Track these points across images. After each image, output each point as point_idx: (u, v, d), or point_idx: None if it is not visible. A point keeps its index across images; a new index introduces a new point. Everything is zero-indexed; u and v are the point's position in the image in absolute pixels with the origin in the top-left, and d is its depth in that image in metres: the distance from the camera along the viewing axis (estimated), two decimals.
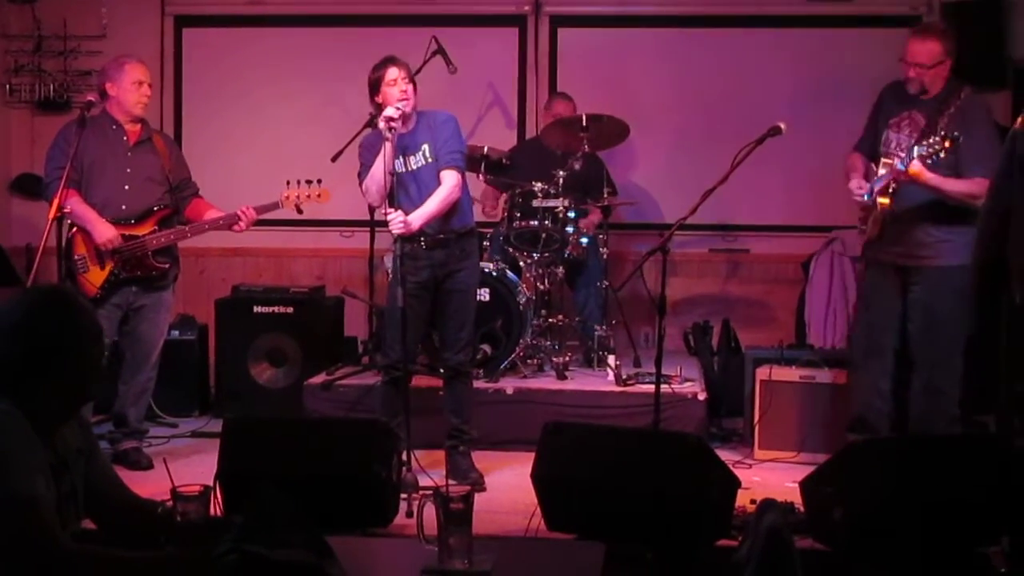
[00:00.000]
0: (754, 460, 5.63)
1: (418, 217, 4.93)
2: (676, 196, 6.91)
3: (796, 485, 4.10)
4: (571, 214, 6.22)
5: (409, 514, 4.29)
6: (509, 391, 5.92)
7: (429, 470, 4.90)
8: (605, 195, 6.52)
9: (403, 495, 4.36)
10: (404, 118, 4.97)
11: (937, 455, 3.84)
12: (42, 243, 4.86)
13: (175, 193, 5.59)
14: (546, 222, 6.14)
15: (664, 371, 5.10)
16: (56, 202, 4.91)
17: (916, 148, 4.73)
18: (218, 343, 6.82)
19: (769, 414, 5.68)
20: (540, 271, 6.41)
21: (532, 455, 4.05)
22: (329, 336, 6.84)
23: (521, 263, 6.41)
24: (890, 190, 4.94)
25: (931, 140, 4.68)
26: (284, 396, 6.48)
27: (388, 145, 4.84)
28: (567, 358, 6.29)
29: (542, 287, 6.43)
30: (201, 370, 6.91)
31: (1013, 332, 4.20)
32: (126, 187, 5.44)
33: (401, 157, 5.03)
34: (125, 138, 5.49)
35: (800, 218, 7.31)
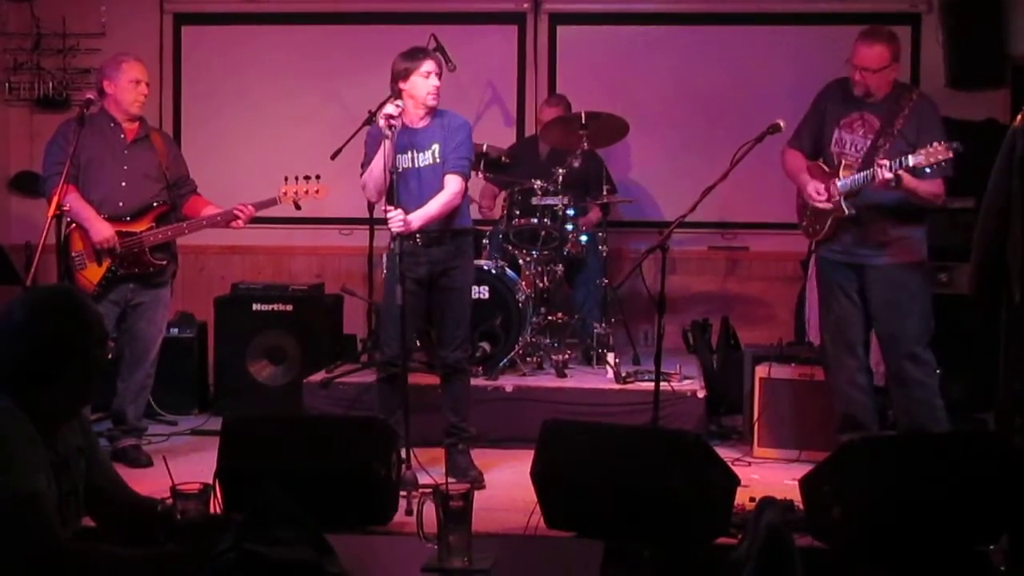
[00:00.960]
0: (753, 458, 5.64)
1: (418, 218, 4.93)
2: (675, 194, 6.92)
3: (795, 483, 4.10)
4: (570, 212, 6.22)
5: (409, 512, 4.29)
6: (508, 389, 5.92)
7: (428, 467, 4.90)
8: (604, 193, 6.52)
9: (402, 493, 4.36)
10: (426, 112, 5.01)
11: (936, 453, 3.84)
12: (41, 241, 4.85)
13: (173, 190, 5.59)
14: (545, 220, 6.14)
15: (663, 369, 5.11)
16: (55, 199, 4.91)
17: (911, 157, 4.74)
18: (217, 341, 6.82)
19: (768, 412, 5.68)
20: (539, 269, 6.41)
21: (531, 453, 4.04)
22: (328, 334, 6.84)
23: (520, 261, 6.41)
24: (855, 193, 4.98)
25: (929, 149, 4.70)
26: (283, 394, 6.48)
27: (387, 143, 4.84)
28: (566, 356, 6.29)
29: (541, 285, 6.43)
30: (200, 368, 6.91)
31: (1012, 330, 4.20)
32: (123, 184, 5.44)
33: (409, 152, 5.04)
34: (122, 136, 5.49)
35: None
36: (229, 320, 6.75)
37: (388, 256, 5.13)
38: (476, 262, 5.88)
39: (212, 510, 2.75)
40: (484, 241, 6.52)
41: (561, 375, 6.12)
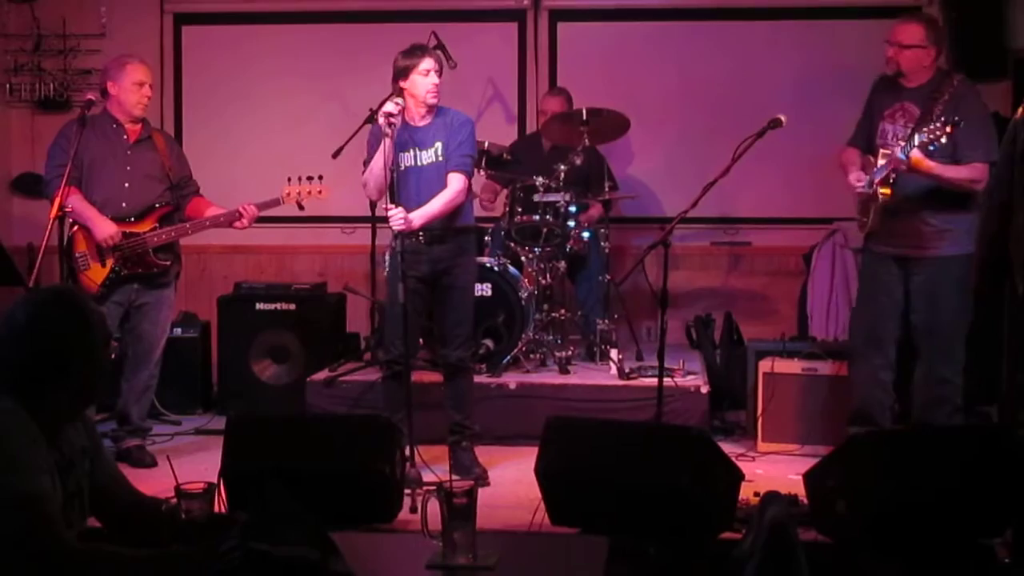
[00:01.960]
0: (757, 453, 5.64)
1: (420, 216, 4.93)
2: (677, 189, 6.91)
3: (799, 477, 4.09)
4: (572, 209, 6.22)
5: (413, 510, 4.28)
6: (512, 386, 5.93)
7: (432, 465, 4.90)
8: (606, 189, 6.52)
9: (407, 491, 4.35)
10: (428, 110, 5.02)
11: (941, 447, 3.83)
12: (43, 242, 4.86)
13: (175, 191, 5.59)
14: (547, 217, 6.14)
15: (667, 364, 5.12)
16: (57, 201, 4.92)
17: (916, 136, 4.74)
18: (220, 340, 6.82)
19: (772, 407, 5.69)
20: (541, 266, 6.41)
21: (535, 450, 4.04)
22: (331, 332, 6.84)
23: (523, 258, 6.42)
24: (890, 180, 4.95)
25: (931, 127, 4.69)
26: (287, 393, 6.48)
27: (387, 141, 4.84)
28: (569, 352, 6.29)
29: (544, 282, 6.43)
30: (204, 367, 6.91)
31: (1016, 323, 4.20)
32: (126, 185, 5.44)
33: (411, 150, 5.04)
34: (125, 136, 5.50)
35: (801, 210, 7.31)
36: (232, 320, 6.75)
37: (389, 254, 5.13)
38: (479, 259, 5.88)
39: (216, 510, 2.75)
40: (486, 238, 6.52)
41: (564, 372, 6.12)
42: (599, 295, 6.67)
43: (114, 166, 5.44)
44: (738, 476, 3.88)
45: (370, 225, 6.59)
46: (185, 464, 4.42)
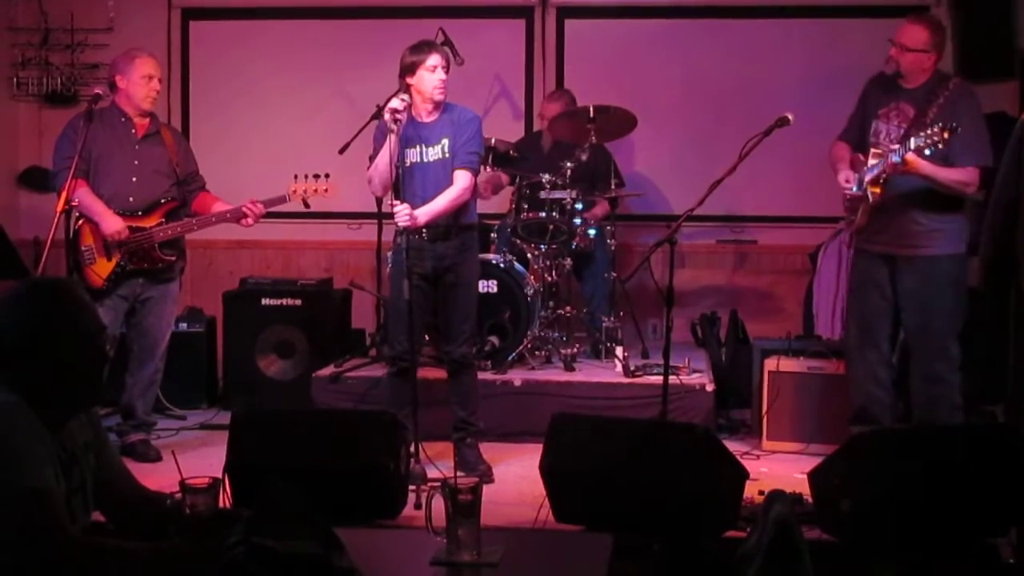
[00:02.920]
0: (762, 451, 5.64)
1: (425, 213, 4.93)
2: (683, 187, 6.89)
3: (804, 476, 4.10)
4: (578, 206, 6.22)
5: (417, 506, 4.29)
6: (517, 383, 5.93)
7: (437, 462, 4.91)
8: (612, 186, 6.52)
9: (411, 487, 4.36)
10: (435, 106, 5.02)
11: (945, 446, 3.84)
12: (50, 236, 4.87)
13: (182, 186, 5.60)
14: (553, 214, 6.14)
15: (672, 362, 5.11)
16: (64, 194, 4.92)
17: (913, 139, 4.72)
18: (226, 335, 6.83)
19: (777, 405, 5.69)
20: (547, 263, 6.41)
21: (540, 447, 4.05)
22: (337, 328, 6.84)
23: (528, 255, 6.42)
24: (881, 180, 4.95)
25: (929, 131, 4.67)
26: (292, 388, 6.48)
27: (393, 137, 4.84)
28: (575, 350, 6.29)
29: (550, 279, 6.43)
30: (209, 362, 6.91)
31: (1021, 323, 4.20)
32: (133, 179, 5.45)
33: (417, 146, 5.04)
34: (133, 131, 5.50)
35: (807, 209, 7.29)
36: (238, 315, 6.76)
37: (394, 251, 5.13)
38: (484, 256, 5.89)
39: (221, 504, 2.75)
40: (492, 235, 6.52)
41: (570, 369, 6.12)
42: (605, 292, 6.67)
43: (122, 160, 5.45)
44: (743, 474, 3.89)
45: (376, 221, 6.59)
46: (190, 459, 4.45)
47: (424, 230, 5.01)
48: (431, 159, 5.05)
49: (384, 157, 4.91)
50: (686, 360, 6.03)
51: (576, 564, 2.81)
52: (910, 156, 4.73)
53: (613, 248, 6.65)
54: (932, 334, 5.07)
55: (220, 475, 3.05)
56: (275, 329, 6.68)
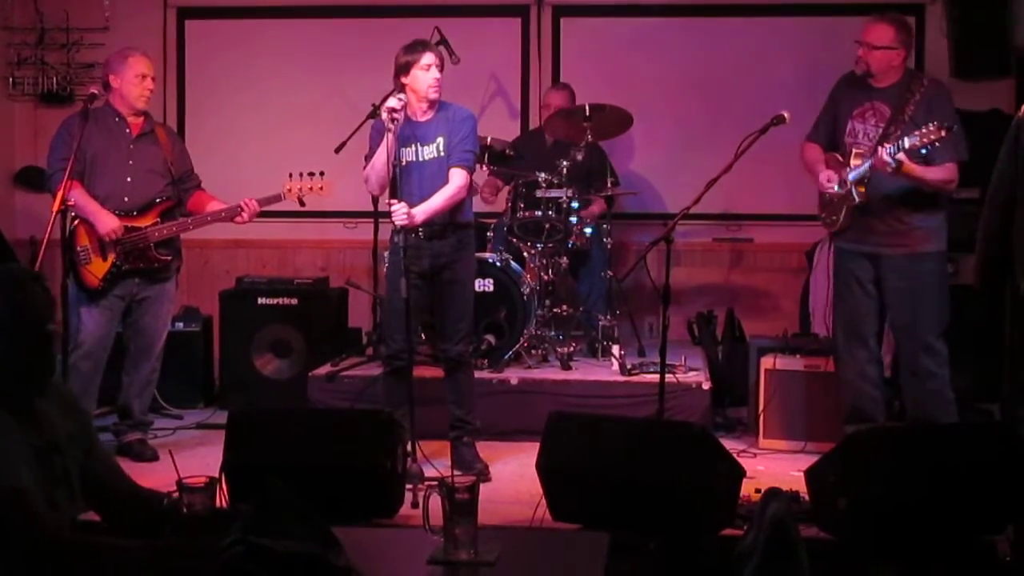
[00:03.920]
0: (758, 449, 5.64)
1: (422, 211, 4.93)
2: (679, 186, 6.91)
3: (801, 474, 4.11)
4: (574, 204, 6.22)
5: (415, 505, 4.29)
6: (513, 381, 5.93)
7: (434, 460, 4.91)
8: (608, 185, 6.52)
9: (408, 486, 4.36)
10: (430, 105, 5.02)
11: (941, 443, 3.84)
12: (46, 236, 4.86)
13: (177, 185, 5.59)
14: (550, 212, 6.14)
15: (668, 361, 5.12)
16: (60, 194, 4.92)
17: (907, 139, 4.73)
18: (222, 335, 6.82)
19: (773, 403, 5.69)
20: (544, 261, 6.41)
21: (537, 445, 4.05)
22: (333, 327, 6.84)
23: (525, 253, 6.42)
24: (866, 180, 4.97)
25: (924, 129, 4.68)
26: (288, 387, 6.48)
27: (390, 136, 4.84)
28: (571, 348, 6.29)
29: (546, 277, 6.43)
30: (206, 362, 6.91)
31: (1017, 322, 4.20)
32: (128, 179, 5.44)
33: (413, 145, 5.04)
34: (128, 130, 5.49)
35: (804, 207, 7.22)
36: (234, 314, 6.75)
37: (390, 250, 5.13)
38: (481, 255, 5.89)
39: (218, 504, 2.75)
40: (488, 234, 6.52)
41: (566, 367, 6.12)
42: (601, 291, 6.67)
43: (116, 160, 5.44)
44: (739, 473, 3.89)
45: (372, 220, 6.59)
46: (187, 458, 4.44)
47: (421, 228, 5.01)
48: (427, 158, 5.05)
49: (381, 156, 4.91)
50: (682, 358, 6.03)
51: (573, 562, 2.81)
52: (902, 158, 4.75)
53: (609, 247, 6.65)
54: (917, 331, 5.09)
55: (217, 474, 3.05)
56: (271, 328, 6.68)
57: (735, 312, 6.85)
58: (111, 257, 5.36)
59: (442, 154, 5.04)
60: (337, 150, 6.30)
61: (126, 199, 5.42)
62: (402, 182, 4.97)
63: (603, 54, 7.52)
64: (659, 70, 7.47)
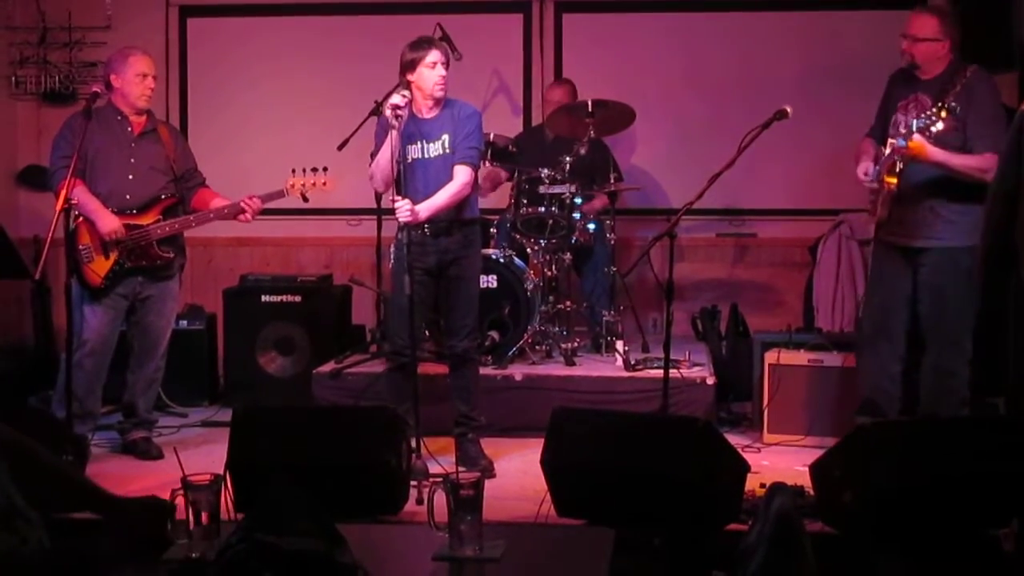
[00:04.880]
0: (763, 444, 5.64)
1: (426, 208, 4.92)
2: (682, 181, 6.89)
3: (805, 469, 4.11)
4: (577, 200, 6.22)
5: (419, 501, 4.29)
6: (518, 377, 5.93)
7: (438, 457, 4.91)
8: (611, 181, 6.52)
9: (413, 482, 4.36)
10: (435, 102, 5.02)
11: (946, 437, 3.83)
12: (50, 234, 4.86)
13: (180, 183, 5.59)
14: (553, 208, 6.14)
15: (672, 356, 5.11)
16: (63, 193, 4.91)
17: (915, 122, 4.71)
18: (226, 332, 6.83)
19: (778, 398, 5.68)
20: (547, 257, 6.41)
21: (541, 441, 4.05)
22: (337, 324, 6.84)
23: (528, 249, 6.42)
24: (896, 169, 4.93)
25: (927, 112, 4.67)
26: (293, 385, 6.48)
27: (394, 133, 4.84)
28: (575, 344, 6.29)
29: (549, 273, 6.43)
30: (210, 359, 6.92)
31: (1021, 315, 4.19)
32: (130, 177, 5.44)
33: (418, 142, 5.03)
34: (129, 129, 5.49)
35: (807, 202, 7.30)
36: (238, 312, 6.76)
37: (395, 246, 5.13)
38: (484, 251, 5.88)
39: (223, 501, 2.76)
40: (492, 230, 6.52)
41: (570, 363, 6.12)
42: (605, 287, 6.67)
43: (118, 158, 5.44)
44: (744, 467, 3.89)
45: (376, 217, 6.59)
46: (191, 456, 4.44)
47: (427, 225, 5.01)
48: (432, 155, 5.04)
49: (385, 153, 4.90)
50: (686, 354, 6.03)
51: (578, 558, 2.82)
52: (916, 139, 4.71)
53: (613, 242, 6.65)
54: (947, 327, 5.05)
55: (222, 472, 3.05)
56: (275, 326, 6.69)
57: (739, 307, 6.85)
58: (113, 255, 5.37)
59: (447, 151, 5.04)
60: (340, 147, 6.29)
61: (128, 197, 5.41)
62: (407, 179, 4.97)
63: (605, 50, 7.51)
64: (661, 65, 7.47)
